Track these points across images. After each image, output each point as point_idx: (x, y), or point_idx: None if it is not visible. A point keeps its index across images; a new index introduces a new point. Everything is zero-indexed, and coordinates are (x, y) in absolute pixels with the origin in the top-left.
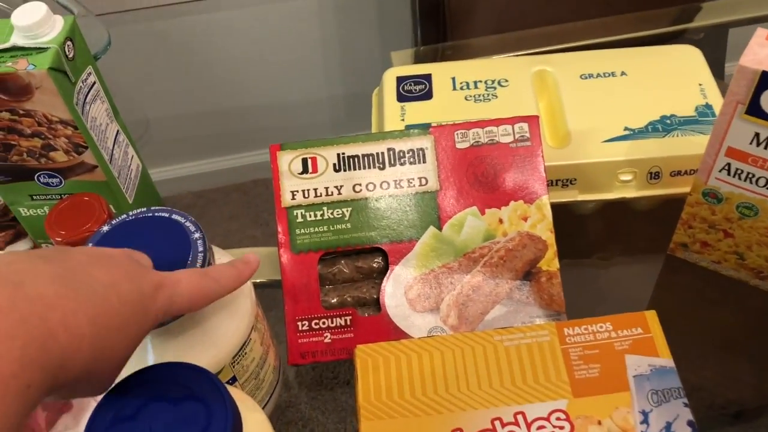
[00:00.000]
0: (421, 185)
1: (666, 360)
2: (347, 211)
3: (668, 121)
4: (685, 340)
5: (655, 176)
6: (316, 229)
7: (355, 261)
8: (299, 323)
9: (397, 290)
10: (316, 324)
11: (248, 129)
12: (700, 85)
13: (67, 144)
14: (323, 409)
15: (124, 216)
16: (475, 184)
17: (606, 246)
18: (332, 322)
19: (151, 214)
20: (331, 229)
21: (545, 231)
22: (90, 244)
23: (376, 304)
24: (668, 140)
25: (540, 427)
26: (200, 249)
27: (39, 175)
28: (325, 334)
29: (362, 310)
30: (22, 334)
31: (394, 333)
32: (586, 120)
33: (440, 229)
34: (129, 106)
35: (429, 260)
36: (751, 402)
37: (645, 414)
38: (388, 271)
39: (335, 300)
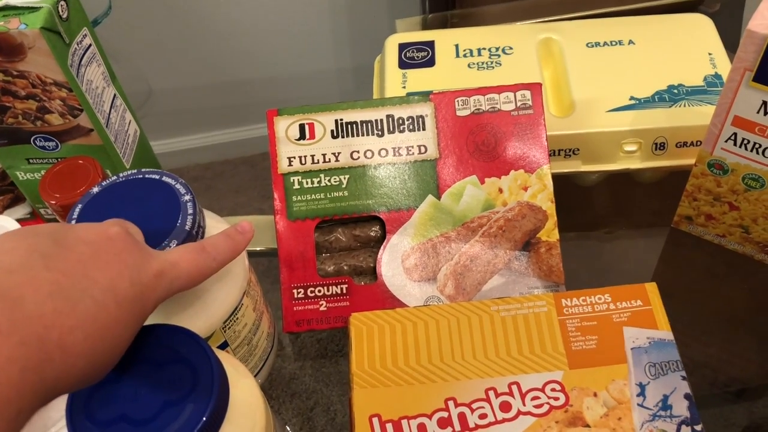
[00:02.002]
0: (420, 153)
1: (665, 332)
2: (344, 178)
3: (675, 91)
4: (688, 315)
5: (660, 147)
6: (313, 197)
7: (352, 229)
8: (295, 291)
9: (394, 259)
10: (311, 292)
11: (256, 101)
12: (709, 54)
13: (62, 107)
14: (327, 381)
15: (115, 178)
16: (475, 153)
17: (608, 218)
18: (328, 290)
19: (141, 176)
20: (328, 196)
21: (546, 201)
22: (79, 206)
23: (373, 272)
24: (675, 110)
25: (534, 398)
26: (190, 211)
27: (35, 139)
28: (320, 302)
29: (358, 278)
30: (21, 359)
31: (390, 302)
32: (591, 89)
33: (439, 198)
34: (135, 74)
35: (427, 229)
36: (753, 380)
37: (642, 386)
38: (385, 239)
39: (331, 268)
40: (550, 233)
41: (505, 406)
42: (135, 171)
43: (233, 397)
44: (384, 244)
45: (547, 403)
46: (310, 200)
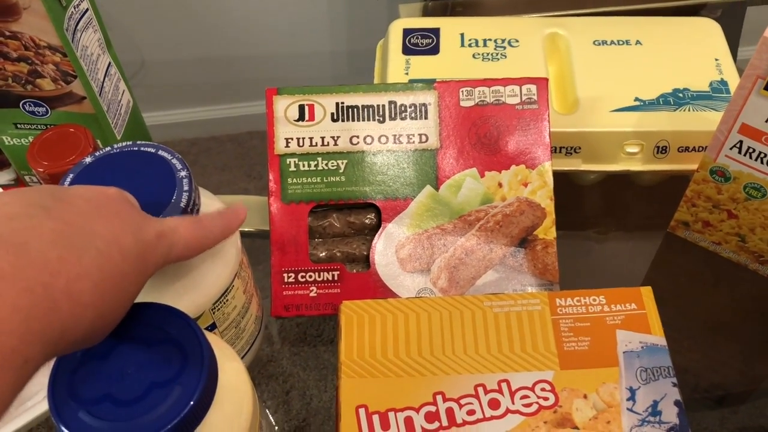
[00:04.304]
0: (421, 142)
1: (658, 338)
2: (342, 163)
3: (680, 95)
4: (676, 320)
5: (662, 150)
6: (309, 180)
7: (347, 216)
8: (285, 275)
9: (388, 248)
10: (302, 277)
11: (247, 79)
12: (716, 60)
13: (55, 72)
14: (305, 365)
15: (108, 149)
16: (476, 145)
17: (605, 219)
18: (319, 276)
19: (136, 148)
20: (325, 180)
21: (545, 198)
22: (71, 175)
23: (366, 260)
24: (679, 114)
25: (524, 397)
26: (186, 188)
27: (24, 103)
28: (311, 288)
29: (351, 266)
30: (26, 305)
31: (382, 291)
32: (596, 87)
33: (437, 189)
34: (128, 44)
35: (423, 220)
36: (735, 387)
37: (632, 391)
38: (381, 228)
39: (324, 254)
40: (548, 231)
41: (494, 404)
42: (130, 143)
43: (220, 380)
44: (379, 232)
45: (537, 402)
46: (305, 183)
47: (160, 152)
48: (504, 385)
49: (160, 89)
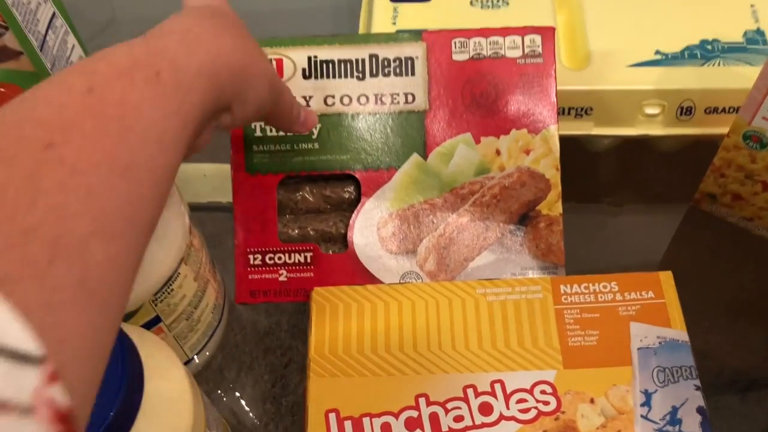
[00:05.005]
0: (406, 103)
1: (679, 332)
2: (316, 128)
3: (709, 47)
4: (699, 304)
5: (686, 112)
6: (278, 147)
7: (323, 188)
8: (251, 256)
9: (369, 226)
10: (270, 259)
11: None
12: (752, 6)
13: None
14: (304, 338)
15: None
16: (471, 106)
17: (619, 191)
18: (290, 258)
19: None
20: (296, 148)
21: (550, 168)
22: None
23: (343, 240)
24: (707, 69)
25: (520, 401)
26: None
27: None
28: (280, 271)
29: (326, 246)
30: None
31: (361, 275)
32: (611, 39)
33: (425, 157)
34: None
35: (409, 194)
36: (763, 374)
37: (647, 395)
38: (360, 203)
39: (296, 232)
40: (552, 206)
41: (486, 408)
42: None
43: (156, 389)
44: (358, 207)
45: (535, 407)
46: (273, 152)
47: None
48: (498, 387)
49: None
